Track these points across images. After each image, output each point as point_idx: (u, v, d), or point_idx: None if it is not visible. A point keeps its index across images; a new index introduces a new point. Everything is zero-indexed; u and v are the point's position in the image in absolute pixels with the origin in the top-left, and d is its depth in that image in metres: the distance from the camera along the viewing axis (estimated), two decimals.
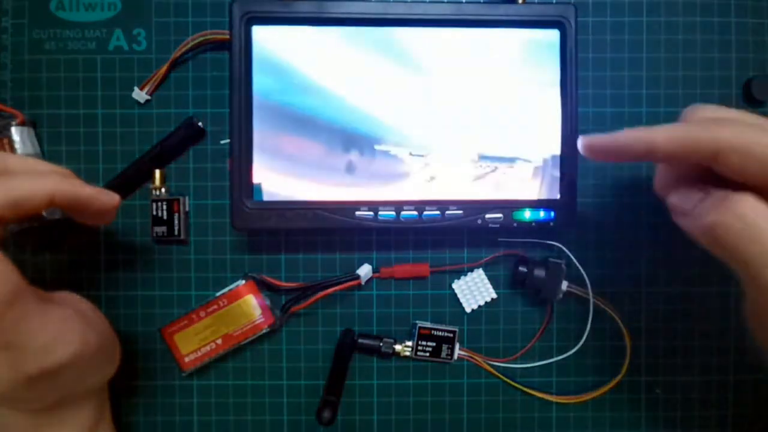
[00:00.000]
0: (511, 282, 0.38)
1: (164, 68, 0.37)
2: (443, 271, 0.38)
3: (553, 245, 0.38)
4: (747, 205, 0.25)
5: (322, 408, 0.35)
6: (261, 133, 0.34)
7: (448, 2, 0.36)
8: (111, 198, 0.31)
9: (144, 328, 0.38)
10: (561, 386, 0.39)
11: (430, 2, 0.35)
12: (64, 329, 0.28)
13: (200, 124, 0.37)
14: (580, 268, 0.37)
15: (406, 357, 0.38)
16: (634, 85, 0.39)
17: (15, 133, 0.35)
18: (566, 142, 0.35)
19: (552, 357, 0.38)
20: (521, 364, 0.38)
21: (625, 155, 0.28)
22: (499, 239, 0.38)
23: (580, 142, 0.29)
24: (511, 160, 0.35)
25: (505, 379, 0.38)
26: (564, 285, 0.36)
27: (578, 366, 0.39)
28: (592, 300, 0.37)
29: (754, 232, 0.25)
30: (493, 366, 0.38)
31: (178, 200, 0.37)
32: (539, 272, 0.36)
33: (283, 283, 0.37)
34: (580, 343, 0.37)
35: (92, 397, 0.32)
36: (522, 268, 0.37)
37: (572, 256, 0.37)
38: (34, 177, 0.28)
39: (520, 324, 0.39)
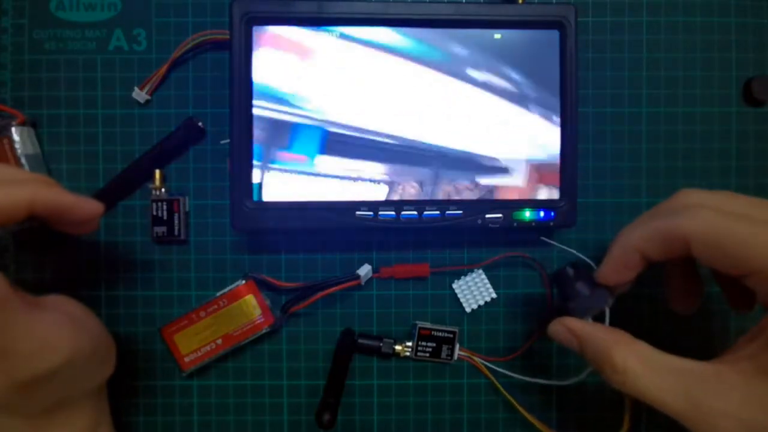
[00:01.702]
0: (551, 278, 0.37)
1: (164, 68, 0.37)
2: (443, 271, 0.38)
3: (553, 245, 0.38)
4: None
5: (321, 410, 0.35)
6: (261, 134, 0.34)
7: (448, 2, 0.36)
8: (93, 206, 0.30)
9: (144, 328, 0.38)
10: (562, 386, 0.39)
11: (430, 2, 0.35)
12: (54, 334, 0.27)
13: (200, 124, 0.37)
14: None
15: (406, 357, 0.38)
16: (634, 85, 0.39)
17: (15, 133, 0.35)
18: (566, 142, 0.35)
19: (552, 357, 0.38)
20: (521, 364, 0.38)
21: (631, 269, 0.29)
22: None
23: (598, 277, 0.31)
24: (511, 159, 0.35)
25: (496, 379, 0.38)
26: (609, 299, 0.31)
27: (578, 366, 0.39)
28: None
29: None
30: (493, 365, 0.38)
31: (178, 200, 0.37)
32: (582, 288, 0.31)
33: (283, 283, 0.37)
34: None
35: (90, 400, 0.31)
36: (569, 269, 0.32)
37: (584, 257, 0.36)
38: (12, 185, 0.27)
39: (520, 324, 0.39)
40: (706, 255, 0.25)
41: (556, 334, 0.31)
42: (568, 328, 0.30)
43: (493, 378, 0.38)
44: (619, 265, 0.29)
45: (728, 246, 0.24)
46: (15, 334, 0.26)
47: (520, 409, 0.37)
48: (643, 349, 0.27)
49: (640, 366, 0.26)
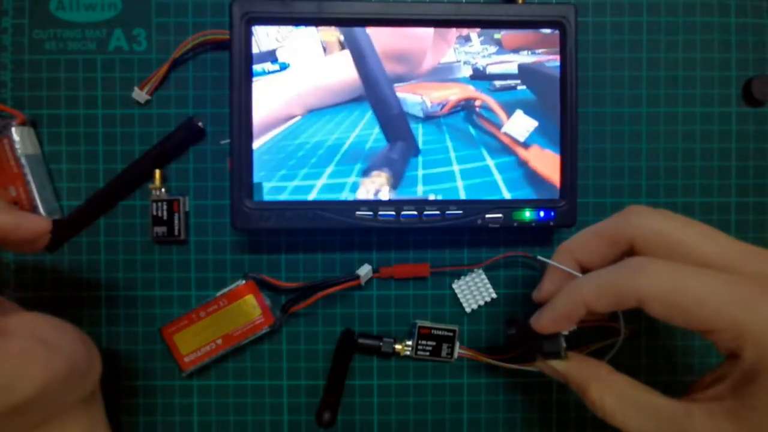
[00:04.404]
0: (504, 346, 0.38)
1: (164, 68, 0.37)
2: (443, 271, 0.38)
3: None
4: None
5: (321, 410, 0.35)
6: (261, 134, 0.34)
7: (448, 2, 0.36)
8: (36, 224, 0.28)
9: (144, 328, 0.38)
10: (562, 386, 0.39)
11: (430, 2, 0.35)
12: (24, 364, 0.26)
13: (200, 124, 0.37)
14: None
15: (406, 357, 0.38)
16: (634, 85, 0.39)
17: (15, 133, 0.35)
18: (566, 142, 0.35)
19: None
20: (521, 364, 0.38)
21: (572, 321, 0.29)
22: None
23: (533, 324, 0.30)
24: (511, 159, 0.35)
25: (496, 375, 0.38)
26: (563, 341, 0.31)
27: None
28: None
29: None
30: (492, 364, 0.38)
31: (178, 200, 0.37)
32: (535, 338, 0.31)
33: (283, 283, 0.37)
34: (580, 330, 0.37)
35: (80, 407, 0.30)
36: (511, 331, 0.33)
37: None
38: None
39: None
40: (663, 314, 0.25)
41: (543, 370, 0.32)
42: (550, 367, 0.31)
43: (490, 360, 0.38)
44: (561, 317, 0.28)
45: (686, 306, 0.24)
46: None
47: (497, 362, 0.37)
48: (619, 385, 0.28)
49: (615, 403, 0.27)
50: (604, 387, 0.28)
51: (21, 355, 0.26)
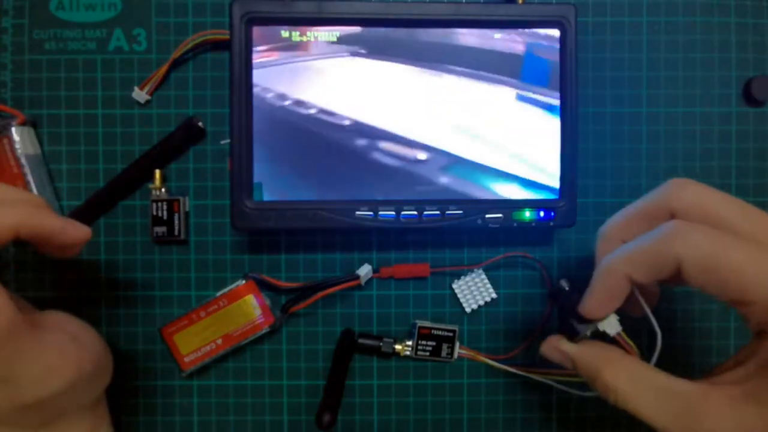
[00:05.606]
0: (549, 293, 0.38)
1: (164, 68, 0.37)
2: (443, 271, 0.38)
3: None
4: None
5: (321, 411, 0.35)
6: (261, 133, 0.34)
7: (448, 2, 0.36)
8: (81, 232, 0.29)
9: (144, 328, 0.38)
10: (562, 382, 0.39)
11: (430, 2, 0.35)
12: (60, 358, 0.27)
13: (200, 124, 0.37)
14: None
15: (406, 357, 0.38)
16: (634, 85, 0.39)
17: (15, 133, 0.35)
18: (566, 142, 0.35)
19: None
20: (521, 363, 0.38)
21: (617, 298, 0.27)
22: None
23: (581, 311, 0.28)
24: (512, 159, 0.35)
25: (496, 376, 0.38)
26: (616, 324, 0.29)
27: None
28: None
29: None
30: (493, 362, 0.38)
31: (178, 200, 0.37)
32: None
33: (283, 283, 0.37)
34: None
35: (88, 408, 0.31)
36: (564, 282, 0.31)
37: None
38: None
39: (520, 324, 0.39)
40: (700, 281, 0.24)
41: (549, 354, 0.30)
42: (559, 349, 0.30)
43: (489, 361, 0.38)
44: (605, 295, 0.27)
45: (723, 274, 0.23)
46: (21, 361, 0.25)
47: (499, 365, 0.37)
48: (633, 367, 0.27)
49: (630, 386, 0.26)
50: (618, 369, 0.26)
51: (57, 350, 0.27)
